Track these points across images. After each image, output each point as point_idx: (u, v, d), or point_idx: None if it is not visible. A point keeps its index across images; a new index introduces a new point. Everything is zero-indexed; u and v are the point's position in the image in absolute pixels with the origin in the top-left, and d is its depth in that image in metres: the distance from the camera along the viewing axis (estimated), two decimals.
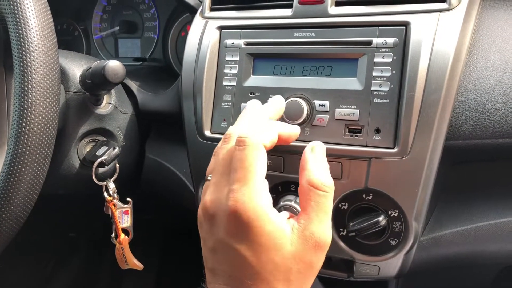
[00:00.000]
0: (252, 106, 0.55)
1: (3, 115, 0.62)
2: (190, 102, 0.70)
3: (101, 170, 0.73)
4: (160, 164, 0.84)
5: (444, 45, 0.57)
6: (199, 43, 0.71)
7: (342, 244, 0.66)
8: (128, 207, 0.75)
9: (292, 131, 0.51)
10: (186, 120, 0.71)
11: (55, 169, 0.71)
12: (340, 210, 0.64)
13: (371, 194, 0.62)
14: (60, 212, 1.15)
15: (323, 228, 0.45)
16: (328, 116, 0.61)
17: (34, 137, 0.52)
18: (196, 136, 0.70)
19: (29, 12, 0.52)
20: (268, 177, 0.66)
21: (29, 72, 0.51)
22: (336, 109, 0.61)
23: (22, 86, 0.51)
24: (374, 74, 0.59)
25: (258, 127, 0.49)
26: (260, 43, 0.67)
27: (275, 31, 0.66)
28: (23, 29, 0.52)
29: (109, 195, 0.73)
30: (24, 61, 0.51)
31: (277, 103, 0.56)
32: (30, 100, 0.51)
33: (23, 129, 0.51)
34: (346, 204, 0.63)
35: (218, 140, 0.68)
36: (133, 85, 0.83)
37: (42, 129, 0.53)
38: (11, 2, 0.52)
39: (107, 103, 0.75)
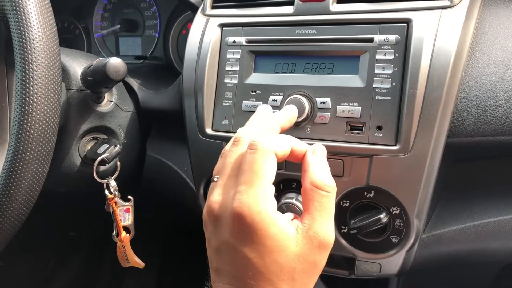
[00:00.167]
0: (263, 111, 0.54)
1: (4, 112, 0.62)
2: (192, 100, 0.70)
3: (102, 168, 0.73)
4: (161, 162, 0.84)
5: (446, 42, 0.57)
6: (200, 41, 0.71)
7: (343, 241, 0.66)
8: (129, 205, 0.75)
9: (303, 148, 0.50)
10: (187, 118, 0.71)
11: (56, 166, 0.71)
12: (341, 208, 0.64)
13: (372, 192, 0.62)
14: (61, 211, 1.15)
15: (326, 228, 0.46)
16: (329, 113, 0.61)
17: (35, 134, 0.52)
18: (197, 134, 0.70)
19: (30, 9, 0.52)
20: None
21: (31, 69, 0.51)
22: (338, 106, 0.61)
23: (24, 83, 0.51)
24: (376, 71, 0.59)
25: (271, 134, 0.50)
26: (261, 41, 0.67)
27: (277, 29, 0.66)
28: (25, 26, 0.52)
29: (110, 193, 0.73)
30: (26, 58, 0.51)
31: (290, 112, 0.56)
32: (31, 97, 0.51)
33: (25, 126, 0.51)
34: (348, 201, 0.63)
35: (219, 137, 0.68)
36: (134, 83, 0.83)
37: (44, 126, 0.53)
38: None
39: (108, 101, 0.75)
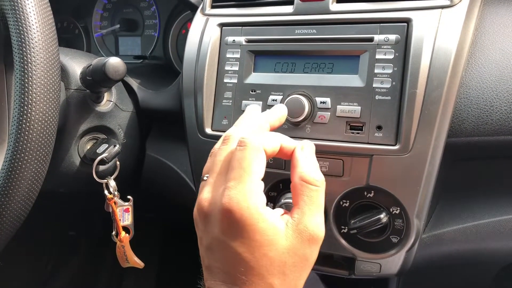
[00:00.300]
0: (252, 110, 0.55)
1: (3, 112, 0.62)
2: (191, 100, 0.70)
3: (101, 167, 0.73)
4: (161, 162, 0.83)
5: (446, 42, 0.57)
6: (199, 40, 0.71)
7: (343, 241, 0.65)
8: (128, 205, 0.75)
9: (292, 145, 0.51)
10: (187, 117, 0.71)
11: (56, 166, 0.71)
12: (341, 208, 0.64)
13: (372, 192, 0.61)
14: (60, 211, 1.15)
15: (316, 222, 0.46)
16: (329, 113, 0.61)
17: (34, 134, 0.52)
18: (197, 134, 0.70)
19: (29, 8, 0.52)
20: (269, 174, 0.66)
21: (30, 69, 0.51)
22: (338, 106, 0.61)
23: (23, 82, 0.51)
24: (376, 71, 0.59)
25: (260, 131, 0.51)
26: (261, 40, 0.67)
27: (276, 28, 0.66)
28: (24, 25, 0.51)
29: (110, 192, 0.73)
30: (25, 58, 0.51)
31: (279, 111, 0.56)
32: (30, 97, 0.51)
33: (24, 126, 0.51)
34: (348, 201, 0.63)
35: (219, 137, 0.68)
36: (134, 83, 0.83)
37: (43, 126, 0.53)
38: None
39: (108, 101, 0.75)
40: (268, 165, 0.65)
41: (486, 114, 0.58)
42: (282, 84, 0.64)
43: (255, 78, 0.67)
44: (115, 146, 0.72)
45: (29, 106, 0.51)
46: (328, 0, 0.64)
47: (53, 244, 1.25)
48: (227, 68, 0.68)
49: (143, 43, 1.02)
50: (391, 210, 0.61)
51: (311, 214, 0.46)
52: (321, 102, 0.62)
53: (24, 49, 0.51)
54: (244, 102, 0.67)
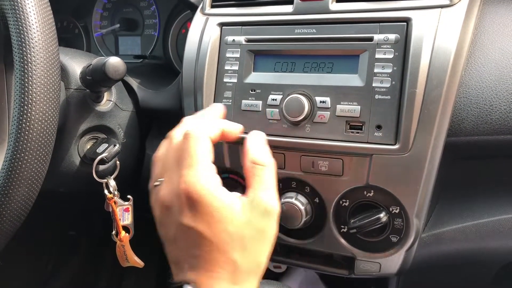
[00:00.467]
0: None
1: (3, 111, 0.62)
2: (191, 99, 0.70)
3: (101, 167, 0.73)
4: None
5: (446, 41, 0.57)
6: (199, 40, 0.71)
7: (343, 241, 0.66)
8: (128, 205, 0.75)
9: (234, 128, 0.56)
10: None
11: (56, 166, 0.71)
12: (341, 207, 0.64)
13: (372, 191, 0.61)
14: (60, 210, 1.15)
15: (268, 196, 0.49)
16: (329, 112, 0.61)
17: (34, 134, 0.52)
18: None
19: (29, 8, 0.52)
20: None
21: (30, 68, 0.51)
22: (337, 105, 0.61)
23: (23, 82, 0.51)
24: (375, 70, 0.59)
25: (198, 123, 0.54)
26: (261, 40, 0.67)
27: (276, 28, 0.66)
28: (24, 25, 0.52)
29: (110, 192, 0.73)
30: (25, 57, 0.51)
31: (214, 107, 0.60)
32: (30, 97, 0.51)
33: (24, 125, 0.51)
34: (347, 201, 0.63)
35: None
36: (134, 83, 0.83)
37: (43, 126, 0.53)
38: None
39: (108, 100, 0.75)
40: None
41: (485, 113, 0.58)
42: (282, 83, 0.64)
43: (255, 77, 0.67)
44: (115, 145, 0.72)
45: (29, 105, 0.51)
46: None
47: (53, 244, 1.25)
48: (227, 67, 0.68)
49: (143, 43, 1.02)
50: (390, 209, 0.61)
51: (263, 190, 0.49)
52: (320, 102, 0.62)
53: (24, 48, 0.51)
54: (244, 101, 0.67)
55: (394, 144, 0.58)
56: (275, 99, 0.64)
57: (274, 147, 0.65)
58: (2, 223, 0.53)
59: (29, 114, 0.51)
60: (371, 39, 0.60)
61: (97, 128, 0.74)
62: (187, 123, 0.56)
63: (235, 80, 0.68)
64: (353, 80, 0.61)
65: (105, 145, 0.72)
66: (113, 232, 0.75)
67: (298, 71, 0.64)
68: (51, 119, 0.54)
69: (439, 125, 0.57)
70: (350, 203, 0.63)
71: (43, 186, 0.57)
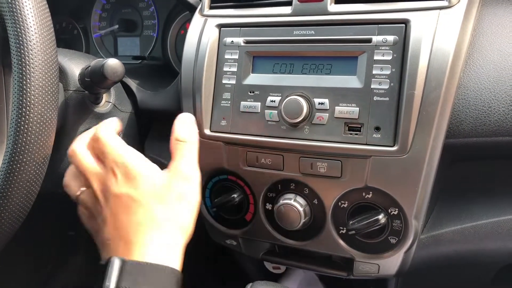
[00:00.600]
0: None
1: (2, 113, 0.62)
2: (190, 101, 0.70)
3: None
4: (160, 163, 0.83)
5: (444, 43, 0.57)
6: (198, 41, 0.71)
7: (341, 242, 0.66)
8: None
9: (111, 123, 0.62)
10: None
11: (55, 167, 0.71)
12: (339, 209, 0.64)
13: (370, 193, 0.62)
14: (60, 211, 1.15)
15: (188, 165, 0.56)
16: (327, 114, 0.61)
17: (32, 136, 0.52)
18: None
19: (27, 10, 0.52)
20: (267, 175, 0.67)
21: (28, 71, 0.51)
22: (336, 107, 0.61)
23: (21, 84, 0.51)
24: (374, 72, 0.59)
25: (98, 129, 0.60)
26: (259, 41, 0.67)
27: (275, 29, 0.66)
28: (22, 27, 0.51)
29: None
30: (23, 59, 0.51)
31: (108, 121, 0.63)
32: (28, 99, 0.51)
33: (22, 127, 0.51)
34: (346, 202, 0.63)
35: (217, 138, 0.68)
36: (132, 84, 0.83)
37: (41, 128, 0.53)
38: (9, 0, 0.52)
39: (106, 102, 0.75)
40: (267, 166, 0.66)
41: (484, 115, 0.58)
42: (280, 85, 0.64)
43: (253, 79, 0.67)
44: None
45: (27, 108, 0.51)
46: (327, 1, 0.64)
47: (53, 244, 1.25)
48: (225, 69, 0.68)
49: (142, 44, 1.02)
50: (389, 211, 0.61)
51: (183, 161, 0.56)
52: (319, 103, 0.62)
53: (22, 51, 0.51)
54: (242, 103, 0.67)
55: (393, 146, 0.58)
56: (274, 101, 0.64)
57: (273, 149, 0.65)
58: (0, 225, 0.53)
59: (27, 116, 0.51)
60: (369, 40, 0.60)
61: None
62: (80, 139, 0.61)
63: (233, 82, 0.68)
64: (352, 81, 0.61)
65: None
66: None
67: (297, 73, 0.64)
68: (49, 121, 0.54)
69: (438, 126, 0.57)
70: (348, 205, 0.63)
71: (43, 187, 0.57)
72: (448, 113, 0.57)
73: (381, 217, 0.61)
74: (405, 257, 0.65)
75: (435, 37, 0.57)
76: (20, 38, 0.51)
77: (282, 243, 0.71)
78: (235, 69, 0.68)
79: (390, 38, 0.59)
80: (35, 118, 0.52)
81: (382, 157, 0.59)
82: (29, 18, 0.52)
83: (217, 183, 0.73)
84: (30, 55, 0.51)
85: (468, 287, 0.83)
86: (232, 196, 0.70)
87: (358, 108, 0.60)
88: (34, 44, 0.52)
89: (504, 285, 0.81)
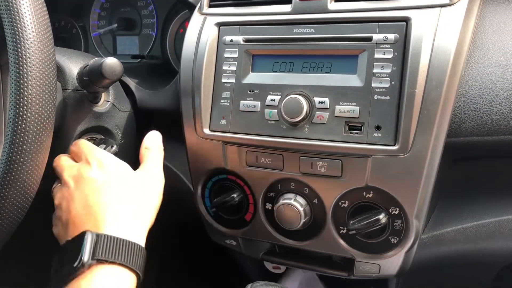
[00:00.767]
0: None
1: None
2: (189, 100, 0.70)
3: None
4: None
5: (445, 41, 0.56)
6: (197, 40, 0.70)
7: (342, 242, 0.65)
8: None
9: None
10: (185, 118, 0.71)
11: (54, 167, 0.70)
12: (340, 208, 0.64)
13: (371, 192, 0.61)
14: None
15: (154, 167, 0.65)
16: (328, 113, 0.61)
17: (30, 136, 0.51)
18: (195, 134, 0.69)
19: (24, 9, 0.52)
20: (267, 175, 0.66)
21: (25, 70, 0.50)
22: (336, 106, 0.60)
23: (18, 83, 0.50)
24: (375, 70, 0.59)
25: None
26: (259, 40, 0.66)
27: (274, 28, 0.66)
28: (19, 26, 0.51)
29: None
30: (20, 59, 0.50)
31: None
32: (25, 98, 0.50)
33: (19, 127, 0.50)
34: (346, 202, 0.63)
35: (217, 138, 0.68)
36: (131, 83, 0.83)
37: (38, 128, 0.52)
38: None
39: (105, 101, 0.75)
40: (267, 166, 0.66)
41: (485, 113, 0.57)
42: (280, 84, 0.64)
43: (253, 78, 0.66)
44: (112, 146, 0.71)
45: (25, 107, 0.50)
46: None
47: (53, 245, 1.25)
48: (225, 67, 0.68)
49: (141, 42, 1.02)
50: (390, 210, 0.61)
51: (150, 163, 0.65)
52: (319, 102, 0.61)
53: (19, 49, 0.51)
54: (242, 102, 0.66)
55: (394, 145, 0.57)
56: (274, 100, 0.64)
57: (273, 148, 0.64)
58: None
59: (24, 116, 0.51)
60: (370, 38, 0.59)
61: (94, 129, 0.73)
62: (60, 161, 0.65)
63: (233, 81, 0.67)
64: (352, 80, 0.60)
65: (102, 146, 0.71)
66: None
67: (297, 71, 0.64)
68: (47, 121, 0.54)
69: (439, 125, 0.56)
70: (349, 204, 0.63)
71: (42, 187, 0.57)
72: (449, 112, 0.57)
73: (382, 217, 0.60)
74: (406, 257, 0.64)
75: (436, 35, 0.56)
76: (17, 37, 0.51)
77: (282, 243, 0.70)
78: (234, 68, 0.67)
79: (391, 36, 0.58)
80: (33, 117, 0.52)
81: (382, 157, 0.58)
82: (26, 17, 0.52)
83: (216, 182, 0.72)
84: (27, 54, 0.51)
85: (470, 287, 0.83)
86: (232, 196, 0.70)
87: (358, 107, 0.59)
88: (31, 43, 0.51)
89: (505, 285, 0.80)
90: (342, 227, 0.64)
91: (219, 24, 0.70)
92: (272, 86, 0.64)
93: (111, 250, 0.51)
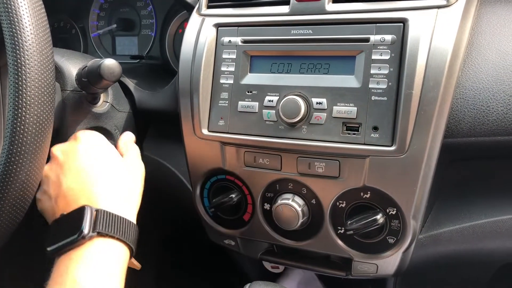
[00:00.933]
0: None
1: None
2: (187, 100, 0.70)
3: None
4: (158, 163, 0.83)
5: (442, 42, 0.56)
6: (195, 40, 0.71)
7: (340, 242, 0.65)
8: None
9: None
10: (183, 118, 0.71)
11: None
12: (338, 209, 0.64)
13: (369, 192, 0.61)
14: None
15: (134, 159, 0.68)
16: (325, 114, 0.61)
17: (29, 137, 0.52)
18: (193, 135, 0.70)
19: (22, 10, 0.52)
20: (265, 175, 0.66)
21: (23, 71, 0.51)
22: (334, 107, 0.61)
23: (16, 85, 0.50)
24: (372, 71, 0.59)
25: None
26: (257, 41, 0.67)
27: (272, 29, 0.66)
28: (17, 27, 0.51)
29: None
30: (18, 60, 0.51)
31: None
32: (24, 99, 0.51)
33: (18, 128, 0.51)
34: (344, 202, 0.63)
35: (215, 138, 0.68)
36: (130, 83, 0.83)
37: (38, 129, 0.53)
38: (4, 1, 0.51)
39: (104, 102, 0.75)
40: (265, 166, 0.66)
41: (482, 114, 0.57)
42: (278, 84, 0.64)
43: (251, 78, 0.67)
44: None
45: (23, 109, 0.51)
46: (324, 0, 0.63)
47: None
48: (223, 68, 0.68)
49: (140, 43, 1.02)
50: (387, 211, 0.61)
51: (131, 155, 0.68)
52: (317, 103, 0.61)
53: (18, 51, 0.51)
54: (240, 103, 0.66)
55: (391, 146, 0.58)
56: (272, 100, 0.64)
57: (271, 149, 0.65)
58: None
59: (23, 117, 0.51)
60: (367, 40, 0.60)
61: (93, 129, 0.73)
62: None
63: (231, 81, 0.67)
64: (350, 81, 0.60)
65: None
66: None
67: (295, 72, 0.64)
68: (46, 122, 0.54)
69: (436, 126, 0.56)
70: (347, 205, 0.63)
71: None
72: (446, 113, 0.57)
73: (379, 217, 0.61)
74: (404, 257, 0.65)
75: (433, 36, 0.57)
76: (16, 38, 0.51)
77: (281, 243, 0.71)
78: (232, 69, 0.67)
79: (388, 37, 0.59)
80: (31, 119, 0.52)
81: (380, 157, 0.58)
82: (24, 19, 0.52)
83: (215, 183, 0.73)
84: (26, 56, 0.51)
85: (467, 287, 0.83)
86: (230, 196, 0.70)
87: (356, 108, 0.59)
88: (30, 44, 0.52)
89: (502, 285, 0.81)
90: (340, 227, 0.65)
91: (217, 25, 0.70)
92: (270, 87, 0.65)
93: (110, 224, 0.54)
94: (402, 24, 0.58)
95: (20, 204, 0.54)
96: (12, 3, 0.51)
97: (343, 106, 0.60)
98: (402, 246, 0.62)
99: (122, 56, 1.03)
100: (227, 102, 0.68)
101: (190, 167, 0.74)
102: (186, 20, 0.94)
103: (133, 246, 0.57)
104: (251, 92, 0.66)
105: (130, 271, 0.80)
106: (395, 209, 0.61)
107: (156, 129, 0.86)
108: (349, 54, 0.61)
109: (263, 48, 0.67)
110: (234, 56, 0.68)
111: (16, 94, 0.50)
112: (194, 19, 0.73)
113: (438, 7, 0.58)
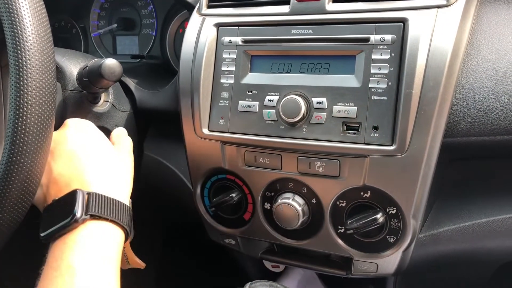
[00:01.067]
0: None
1: (0, 114, 0.62)
2: (188, 100, 0.70)
3: None
4: (159, 162, 0.84)
5: (442, 41, 0.57)
6: (196, 40, 0.71)
7: (340, 241, 0.66)
8: None
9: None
10: (184, 118, 0.71)
11: None
12: (338, 208, 0.64)
13: (369, 192, 0.62)
14: None
15: (125, 149, 0.68)
16: (325, 113, 0.61)
17: (30, 137, 0.52)
18: (194, 134, 0.70)
19: (24, 10, 0.52)
20: (265, 175, 0.67)
21: (25, 71, 0.51)
22: (334, 106, 0.61)
23: (18, 85, 0.51)
24: (372, 71, 0.59)
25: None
26: (257, 41, 0.67)
27: (273, 28, 0.66)
28: (18, 28, 0.51)
29: None
30: (20, 60, 0.51)
31: None
32: (26, 99, 0.51)
33: (19, 128, 0.51)
34: (344, 201, 0.63)
35: (215, 138, 0.68)
36: (131, 83, 0.83)
37: (39, 128, 0.53)
38: (5, 1, 0.52)
39: (105, 101, 0.75)
40: (265, 166, 0.66)
41: (482, 114, 0.57)
42: (278, 84, 0.64)
43: (251, 78, 0.67)
44: None
45: (25, 109, 0.51)
46: (324, 0, 0.63)
47: None
48: (223, 68, 0.68)
49: (140, 42, 1.02)
50: (387, 210, 0.61)
51: (122, 146, 0.68)
52: (317, 103, 0.62)
53: (19, 51, 0.51)
54: (241, 102, 0.67)
55: (391, 145, 0.58)
56: (272, 100, 0.64)
57: (271, 148, 0.65)
58: None
59: (24, 117, 0.51)
60: (367, 39, 0.60)
61: None
62: None
63: (232, 81, 0.68)
64: (350, 81, 0.60)
65: None
66: None
67: (295, 72, 0.64)
68: (47, 122, 0.54)
69: (436, 126, 0.57)
70: (347, 204, 0.63)
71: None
72: (446, 112, 0.57)
73: (379, 216, 0.61)
74: (404, 256, 0.65)
75: (433, 36, 0.57)
76: (17, 38, 0.51)
77: (281, 242, 0.71)
78: (233, 69, 0.68)
79: (388, 37, 0.59)
80: (33, 118, 0.52)
81: (380, 157, 0.58)
82: (26, 19, 0.52)
83: (215, 182, 0.73)
84: (27, 56, 0.51)
85: (467, 286, 0.84)
86: (231, 195, 0.70)
87: (356, 107, 0.59)
88: (31, 44, 0.52)
89: (502, 283, 0.81)
90: (340, 227, 0.65)
91: (218, 25, 0.70)
92: (270, 86, 0.65)
93: (102, 207, 0.54)
94: (402, 23, 0.58)
95: (21, 203, 0.54)
96: (13, 3, 0.51)
97: (343, 105, 0.60)
98: (402, 245, 0.62)
99: (122, 56, 1.03)
100: (227, 101, 0.68)
101: (190, 166, 0.74)
102: (186, 19, 0.94)
103: (128, 228, 0.56)
104: (251, 91, 0.66)
105: (130, 270, 0.81)
106: (395, 208, 0.61)
107: (157, 129, 0.87)
108: (349, 54, 0.61)
109: (263, 48, 0.67)
110: (234, 56, 0.68)
111: (18, 94, 0.51)
112: (195, 19, 0.73)
113: (438, 6, 0.58)
